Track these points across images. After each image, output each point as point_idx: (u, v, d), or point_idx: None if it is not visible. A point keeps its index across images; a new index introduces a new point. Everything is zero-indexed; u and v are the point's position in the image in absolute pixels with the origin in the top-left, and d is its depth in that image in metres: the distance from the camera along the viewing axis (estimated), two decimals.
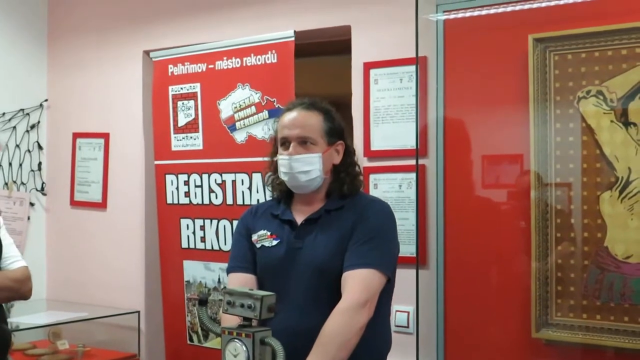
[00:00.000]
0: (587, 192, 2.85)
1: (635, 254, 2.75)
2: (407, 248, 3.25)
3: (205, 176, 3.89)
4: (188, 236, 3.97)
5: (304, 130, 2.55)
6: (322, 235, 2.52)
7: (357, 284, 2.41)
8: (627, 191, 2.76)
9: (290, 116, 2.59)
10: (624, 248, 2.77)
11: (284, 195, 2.67)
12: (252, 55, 3.71)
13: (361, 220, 2.51)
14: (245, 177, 3.72)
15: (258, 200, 3.62)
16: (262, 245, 2.60)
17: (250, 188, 3.71)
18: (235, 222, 3.66)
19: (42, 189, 4.76)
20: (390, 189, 3.37)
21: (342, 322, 2.35)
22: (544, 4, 2.96)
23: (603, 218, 2.81)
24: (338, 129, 2.62)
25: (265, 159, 2.75)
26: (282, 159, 2.56)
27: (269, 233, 2.61)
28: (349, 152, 2.66)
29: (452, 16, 3.18)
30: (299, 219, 2.59)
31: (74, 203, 4.66)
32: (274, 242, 2.58)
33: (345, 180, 2.61)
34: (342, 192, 2.60)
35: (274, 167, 2.66)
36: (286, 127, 2.57)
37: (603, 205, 2.81)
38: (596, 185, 2.83)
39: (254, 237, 2.63)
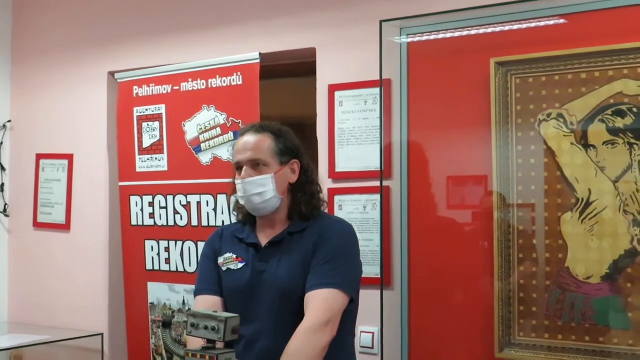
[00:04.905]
0: (549, 214, 2.89)
1: (595, 274, 2.79)
2: (371, 269, 3.26)
3: (170, 197, 3.87)
4: (153, 258, 3.95)
5: (255, 153, 2.57)
6: (286, 258, 2.53)
7: (320, 304, 2.41)
8: (587, 212, 2.80)
9: (242, 141, 2.62)
10: (585, 268, 2.81)
11: (248, 218, 2.68)
12: (217, 77, 3.72)
13: (323, 241, 2.52)
14: (210, 198, 3.72)
15: (223, 222, 3.62)
16: (228, 268, 2.61)
17: (215, 209, 3.70)
18: (200, 244, 3.66)
19: (5, 210, 4.71)
20: (355, 210, 3.39)
21: (305, 342, 2.35)
22: (506, 28, 3.01)
23: (564, 239, 2.85)
24: (291, 148, 2.63)
25: (231, 180, 2.77)
26: (237, 183, 2.59)
27: (234, 256, 2.61)
28: (306, 170, 2.67)
29: (416, 39, 3.22)
30: (263, 241, 2.60)
31: (37, 224, 4.61)
32: (240, 265, 2.59)
33: (302, 200, 2.62)
34: (301, 212, 2.61)
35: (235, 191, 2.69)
36: (238, 152, 2.61)
37: (564, 226, 2.86)
38: (557, 206, 2.87)
39: (220, 260, 2.64)
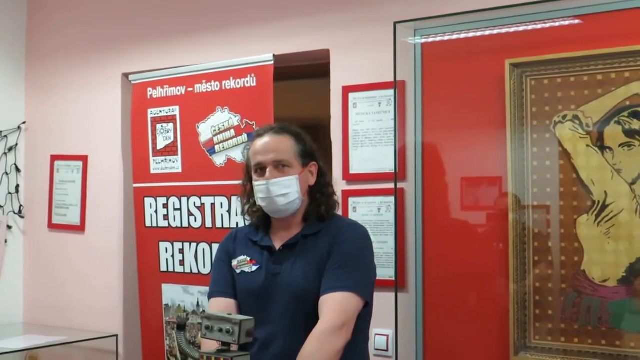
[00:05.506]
0: (564, 216, 2.87)
1: (611, 277, 2.77)
2: (386, 271, 3.25)
3: (184, 199, 3.88)
4: (167, 259, 3.95)
5: (278, 154, 2.55)
6: (300, 261, 2.53)
7: (334, 307, 2.40)
8: (604, 215, 2.78)
9: (262, 142, 2.60)
10: (601, 271, 2.79)
11: (262, 221, 2.67)
12: (231, 78, 3.71)
13: (337, 244, 2.51)
14: (224, 200, 3.71)
15: (237, 223, 3.61)
16: (242, 271, 2.60)
17: (229, 211, 3.70)
18: (214, 246, 3.65)
19: (20, 211, 4.73)
20: (369, 212, 3.38)
21: (319, 345, 2.34)
22: (521, 29, 2.99)
23: (580, 241, 2.83)
24: (310, 150, 2.63)
25: (241, 182, 2.75)
26: (259, 184, 2.56)
27: (248, 259, 2.61)
28: (323, 172, 2.67)
29: (430, 40, 3.21)
30: (278, 244, 2.59)
31: (52, 226, 4.62)
32: (254, 268, 2.58)
33: (321, 201, 2.62)
34: (319, 213, 2.60)
35: (248, 194, 2.67)
36: (259, 153, 2.58)
37: (580, 228, 2.84)
38: (573, 209, 2.85)
39: (234, 263, 2.63)
